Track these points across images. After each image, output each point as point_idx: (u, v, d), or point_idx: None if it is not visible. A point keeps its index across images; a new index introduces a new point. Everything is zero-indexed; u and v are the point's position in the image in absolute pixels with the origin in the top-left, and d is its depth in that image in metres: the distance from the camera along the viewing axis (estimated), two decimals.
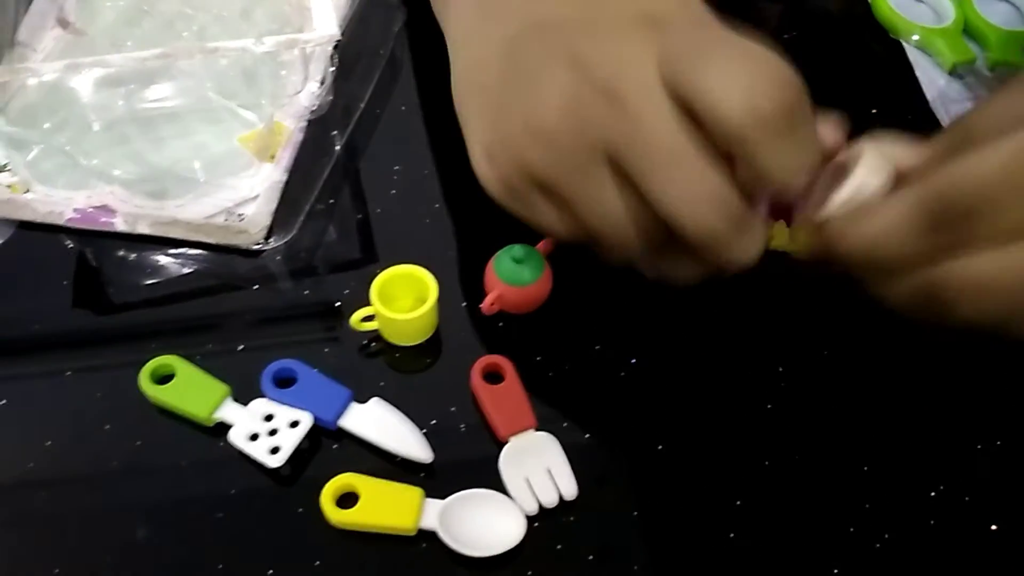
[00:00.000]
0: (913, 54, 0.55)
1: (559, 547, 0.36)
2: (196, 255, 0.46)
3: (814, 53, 0.56)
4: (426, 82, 0.54)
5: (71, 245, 0.46)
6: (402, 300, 0.42)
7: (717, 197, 0.30)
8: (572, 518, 0.37)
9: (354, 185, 0.49)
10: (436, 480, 0.38)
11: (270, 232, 0.46)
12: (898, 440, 0.39)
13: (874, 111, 0.52)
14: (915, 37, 0.55)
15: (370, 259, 0.46)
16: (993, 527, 0.37)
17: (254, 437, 0.38)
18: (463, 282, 0.44)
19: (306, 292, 0.45)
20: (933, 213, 0.28)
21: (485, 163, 0.35)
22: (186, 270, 0.45)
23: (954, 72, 0.54)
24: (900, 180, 0.31)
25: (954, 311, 0.28)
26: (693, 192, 0.29)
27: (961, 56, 0.53)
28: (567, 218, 0.33)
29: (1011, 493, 0.38)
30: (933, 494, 0.38)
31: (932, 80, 0.53)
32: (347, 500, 0.36)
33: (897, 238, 0.28)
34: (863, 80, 0.55)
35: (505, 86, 0.34)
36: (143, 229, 0.45)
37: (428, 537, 0.36)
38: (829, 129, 0.32)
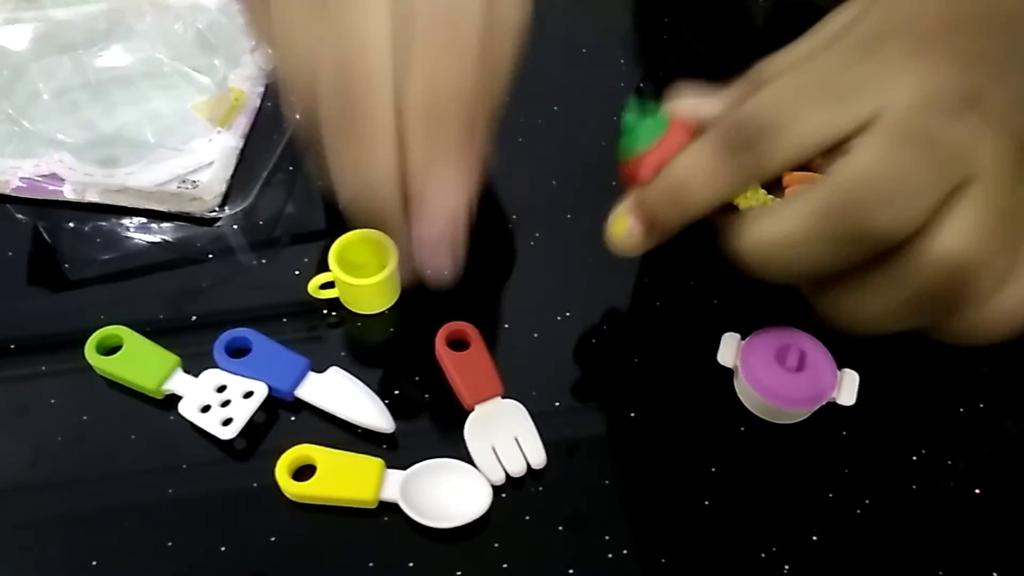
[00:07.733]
0: None
1: (527, 517, 0.35)
2: (151, 225, 0.44)
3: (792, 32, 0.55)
4: None
5: (22, 218, 0.44)
6: (363, 266, 0.40)
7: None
8: (540, 488, 0.36)
9: None
10: (398, 451, 0.36)
11: (225, 200, 0.44)
12: (878, 402, 0.38)
13: None
14: None
15: (332, 227, 0.44)
16: (977, 491, 0.36)
17: (206, 409, 0.36)
18: None
19: (264, 261, 0.43)
20: (836, 229, 0.28)
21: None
22: (140, 240, 0.43)
23: None
24: (700, 130, 0.32)
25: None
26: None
27: None
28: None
29: (994, 456, 0.37)
30: (915, 458, 0.37)
31: None
32: (304, 472, 0.35)
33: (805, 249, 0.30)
34: None
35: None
36: (92, 197, 0.43)
37: (390, 509, 0.34)
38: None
